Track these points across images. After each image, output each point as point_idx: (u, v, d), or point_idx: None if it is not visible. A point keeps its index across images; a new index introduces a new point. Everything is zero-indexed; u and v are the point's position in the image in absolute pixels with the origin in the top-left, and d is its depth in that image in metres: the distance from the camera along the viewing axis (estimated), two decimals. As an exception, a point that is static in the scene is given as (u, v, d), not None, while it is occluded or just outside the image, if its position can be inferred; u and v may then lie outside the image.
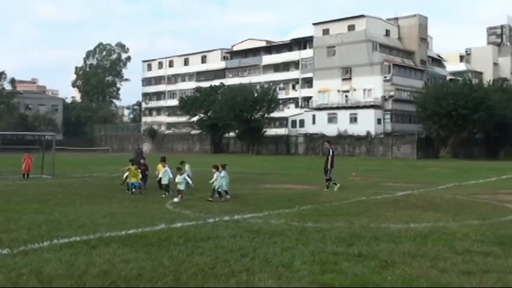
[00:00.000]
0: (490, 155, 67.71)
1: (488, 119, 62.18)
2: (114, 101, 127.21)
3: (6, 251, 7.84)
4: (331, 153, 19.58)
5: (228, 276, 6.47)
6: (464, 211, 13.25)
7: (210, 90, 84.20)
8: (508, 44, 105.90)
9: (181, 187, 15.40)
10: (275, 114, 78.72)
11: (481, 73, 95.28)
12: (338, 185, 18.96)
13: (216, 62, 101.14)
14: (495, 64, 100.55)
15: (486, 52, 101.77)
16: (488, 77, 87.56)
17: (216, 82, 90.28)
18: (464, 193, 18.30)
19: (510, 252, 8.16)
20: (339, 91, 77.85)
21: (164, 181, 16.86)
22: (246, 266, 6.98)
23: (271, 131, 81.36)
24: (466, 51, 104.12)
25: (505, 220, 11.84)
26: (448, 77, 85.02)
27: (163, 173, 17.06)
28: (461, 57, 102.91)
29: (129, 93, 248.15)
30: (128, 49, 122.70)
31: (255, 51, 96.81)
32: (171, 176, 16.69)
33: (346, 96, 77.50)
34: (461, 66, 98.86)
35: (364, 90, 75.45)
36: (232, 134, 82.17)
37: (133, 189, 16.87)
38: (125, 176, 18.77)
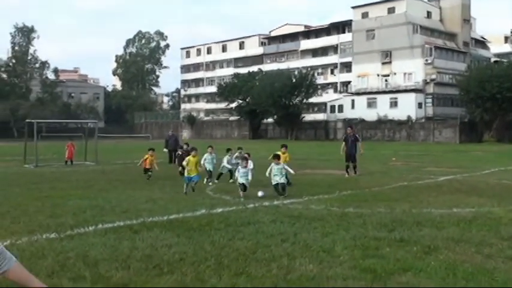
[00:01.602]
0: (536, 139, 65.63)
1: (535, 102, 60.18)
2: (154, 88, 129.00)
3: (53, 235, 8.08)
4: (359, 139, 19.60)
5: (269, 261, 6.50)
6: (510, 196, 12.91)
7: (248, 76, 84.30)
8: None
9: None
10: (313, 99, 78.29)
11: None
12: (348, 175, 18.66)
13: (253, 48, 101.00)
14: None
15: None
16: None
17: (254, 68, 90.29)
18: (509, 178, 17.82)
19: (559, 238, 7.91)
20: (378, 75, 76.72)
21: (209, 168, 16.28)
22: (286, 251, 6.99)
23: (309, 117, 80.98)
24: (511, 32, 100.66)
25: (553, 205, 11.48)
26: (493, 59, 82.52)
27: (209, 159, 16.46)
28: (506, 38, 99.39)
29: (168, 80, 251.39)
30: (166, 37, 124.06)
31: (292, 36, 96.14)
32: (215, 162, 16.56)
33: (386, 80, 76.32)
34: (506, 48, 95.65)
35: (405, 74, 74.12)
36: (270, 119, 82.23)
37: (193, 185, 13.43)
38: (151, 166, 17.30)
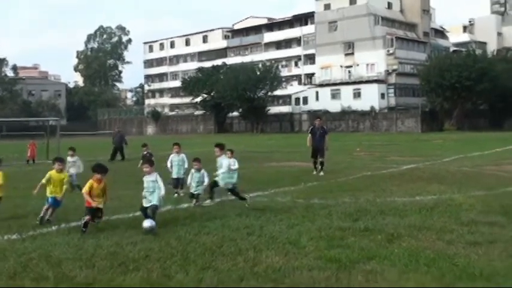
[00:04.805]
0: (494, 126, 67.45)
1: (493, 90, 61.77)
2: (117, 84, 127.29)
3: (15, 236, 7.92)
4: (327, 132, 17.32)
5: (235, 255, 6.52)
6: (470, 182, 13.27)
7: (212, 70, 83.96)
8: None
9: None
10: (278, 92, 78.56)
11: (484, 43, 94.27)
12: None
13: (217, 42, 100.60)
14: (499, 34, 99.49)
15: (490, 22, 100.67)
16: (492, 47, 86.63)
17: (218, 62, 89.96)
18: (469, 165, 18.30)
19: (516, 222, 8.17)
20: (341, 66, 77.50)
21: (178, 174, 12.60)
22: (252, 244, 7.03)
23: (274, 109, 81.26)
24: (470, 22, 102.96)
25: (510, 190, 11.84)
26: (452, 49, 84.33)
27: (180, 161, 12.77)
28: (465, 28, 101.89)
29: (131, 75, 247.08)
30: (128, 31, 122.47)
31: (256, 29, 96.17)
32: (186, 167, 12.54)
33: (349, 71, 77.16)
34: (465, 37, 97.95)
35: (367, 64, 75.08)
36: (235, 113, 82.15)
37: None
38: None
